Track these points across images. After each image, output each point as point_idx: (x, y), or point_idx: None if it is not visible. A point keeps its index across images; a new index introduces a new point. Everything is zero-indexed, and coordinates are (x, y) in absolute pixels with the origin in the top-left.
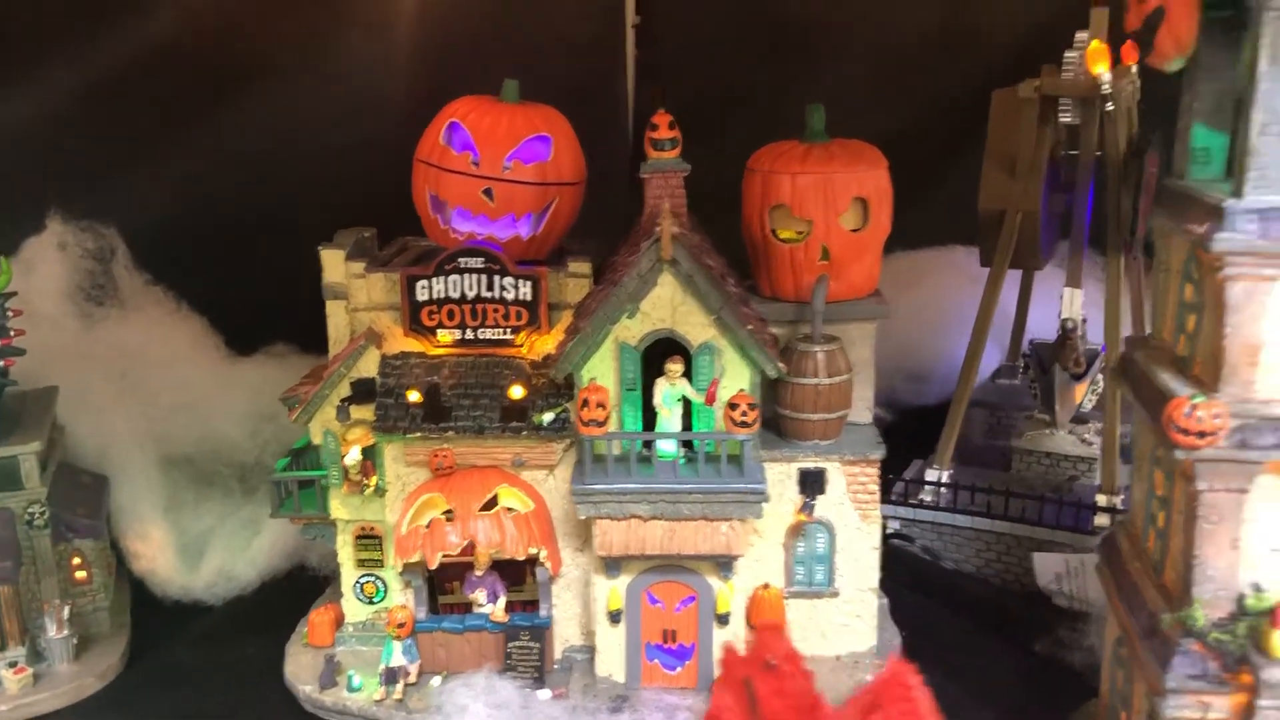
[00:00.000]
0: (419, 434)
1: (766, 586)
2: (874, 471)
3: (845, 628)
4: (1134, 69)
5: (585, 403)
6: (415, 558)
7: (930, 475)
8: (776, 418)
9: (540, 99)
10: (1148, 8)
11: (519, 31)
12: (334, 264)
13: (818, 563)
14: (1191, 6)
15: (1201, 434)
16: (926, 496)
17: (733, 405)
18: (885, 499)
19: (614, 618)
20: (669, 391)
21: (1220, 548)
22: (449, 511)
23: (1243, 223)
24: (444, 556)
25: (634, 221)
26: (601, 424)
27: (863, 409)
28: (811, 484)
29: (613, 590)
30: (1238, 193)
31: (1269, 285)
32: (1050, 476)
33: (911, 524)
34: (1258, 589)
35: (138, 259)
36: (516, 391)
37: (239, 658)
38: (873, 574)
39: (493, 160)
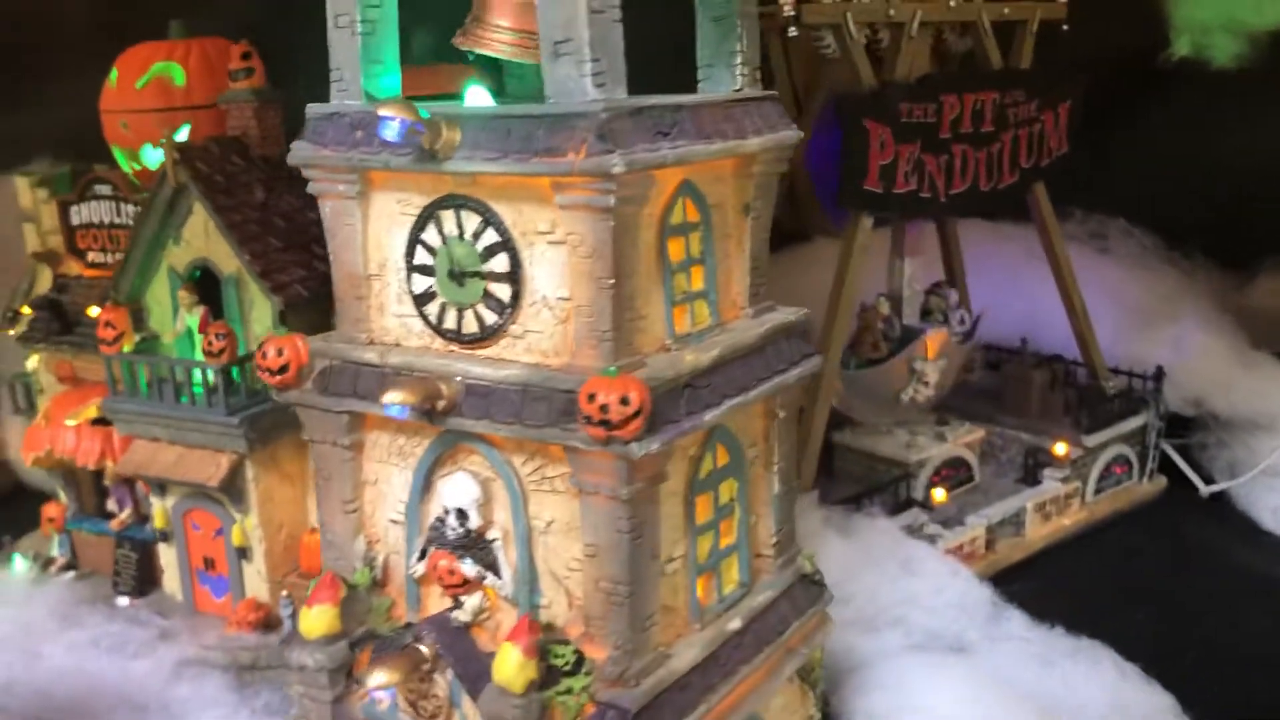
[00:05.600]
0: (43, 346)
1: (313, 531)
2: None
3: None
4: None
5: (99, 323)
6: (31, 457)
7: None
8: None
9: None
10: None
11: None
12: (24, 190)
13: None
14: None
15: (271, 371)
16: None
17: (205, 334)
18: None
19: (162, 536)
20: (189, 319)
21: (335, 511)
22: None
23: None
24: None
25: None
26: (112, 344)
27: None
28: None
29: (159, 509)
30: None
31: (348, 204)
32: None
33: None
34: (369, 561)
35: None
36: (94, 311)
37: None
38: None
39: (126, 87)
